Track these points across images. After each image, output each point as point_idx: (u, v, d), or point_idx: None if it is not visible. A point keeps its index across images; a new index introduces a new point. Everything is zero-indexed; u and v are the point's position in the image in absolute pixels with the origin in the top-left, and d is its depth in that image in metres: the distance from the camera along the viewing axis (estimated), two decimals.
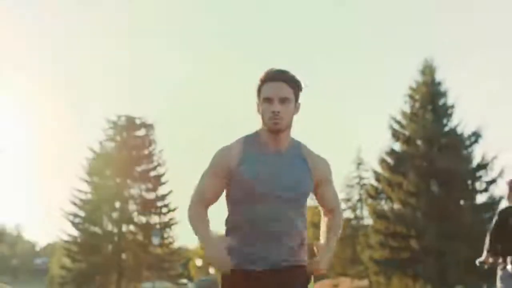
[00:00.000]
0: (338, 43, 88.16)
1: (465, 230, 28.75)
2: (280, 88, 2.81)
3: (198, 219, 2.93)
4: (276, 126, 2.81)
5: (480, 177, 30.85)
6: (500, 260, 6.06)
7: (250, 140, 2.92)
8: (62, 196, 61.63)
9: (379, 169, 33.01)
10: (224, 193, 2.96)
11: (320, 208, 3.08)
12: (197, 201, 2.96)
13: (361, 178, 45.41)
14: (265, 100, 2.83)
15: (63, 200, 56.96)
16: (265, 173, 2.84)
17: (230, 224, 2.93)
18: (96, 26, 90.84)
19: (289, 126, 2.88)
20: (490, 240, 6.13)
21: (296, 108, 2.90)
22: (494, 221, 6.15)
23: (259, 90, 2.87)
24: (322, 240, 3.05)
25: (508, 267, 5.92)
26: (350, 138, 76.29)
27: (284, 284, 2.83)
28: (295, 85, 2.86)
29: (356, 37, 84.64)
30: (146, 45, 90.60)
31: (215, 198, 2.96)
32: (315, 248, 3.00)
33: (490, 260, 6.11)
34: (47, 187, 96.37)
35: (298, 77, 2.91)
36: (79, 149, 57.04)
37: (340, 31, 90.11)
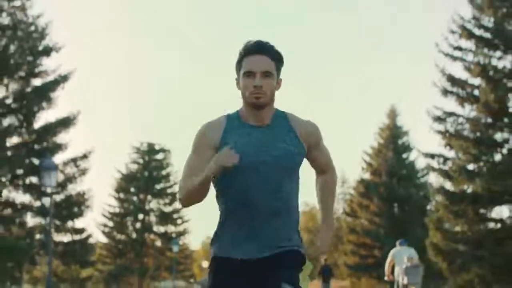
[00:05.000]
0: (341, 53, 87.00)
1: (418, 243, 32.40)
2: (262, 62, 2.58)
3: (189, 181, 2.61)
4: (258, 100, 2.57)
5: (431, 201, 34.15)
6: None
7: (232, 117, 2.69)
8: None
9: (353, 193, 38.75)
10: (212, 186, 2.65)
11: (314, 169, 2.85)
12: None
13: (344, 194, 50.00)
14: (245, 74, 2.59)
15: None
16: (252, 146, 2.60)
17: (224, 214, 2.67)
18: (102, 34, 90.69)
19: (271, 101, 2.64)
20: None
21: (278, 83, 2.65)
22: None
23: (239, 64, 2.63)
24: (319, 205, 2.83)
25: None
26: (337, 157, 78.54)
27: (272, 272, 2.58)
28: (277, 59, 2.63)
29: (359, 47, 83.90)
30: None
31: None
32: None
33: None
34: None
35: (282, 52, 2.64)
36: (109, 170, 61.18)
37: (336, 48, 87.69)
